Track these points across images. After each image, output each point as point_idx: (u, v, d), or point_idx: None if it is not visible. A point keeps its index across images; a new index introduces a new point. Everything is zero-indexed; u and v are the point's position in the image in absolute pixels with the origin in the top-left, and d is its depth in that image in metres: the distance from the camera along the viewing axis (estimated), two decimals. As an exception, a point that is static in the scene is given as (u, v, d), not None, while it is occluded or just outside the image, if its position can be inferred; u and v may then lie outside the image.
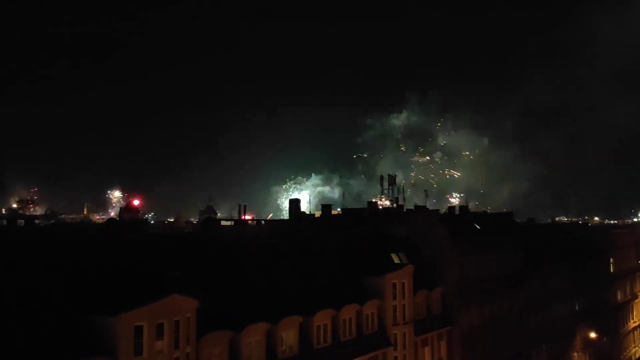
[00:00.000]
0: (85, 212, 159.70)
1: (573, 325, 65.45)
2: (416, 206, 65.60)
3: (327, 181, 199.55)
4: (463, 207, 68.82)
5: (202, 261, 31.12)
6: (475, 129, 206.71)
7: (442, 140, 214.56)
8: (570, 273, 66.38)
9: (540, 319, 59.19)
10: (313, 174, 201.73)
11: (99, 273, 25.44)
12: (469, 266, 48.66)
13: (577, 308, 67.90)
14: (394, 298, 39.24)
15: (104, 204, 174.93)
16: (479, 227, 55.79)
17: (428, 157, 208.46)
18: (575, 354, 66.17)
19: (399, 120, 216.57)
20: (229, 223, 57.34)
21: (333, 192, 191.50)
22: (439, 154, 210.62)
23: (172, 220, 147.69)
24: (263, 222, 57.00)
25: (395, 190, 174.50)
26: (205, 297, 26.01)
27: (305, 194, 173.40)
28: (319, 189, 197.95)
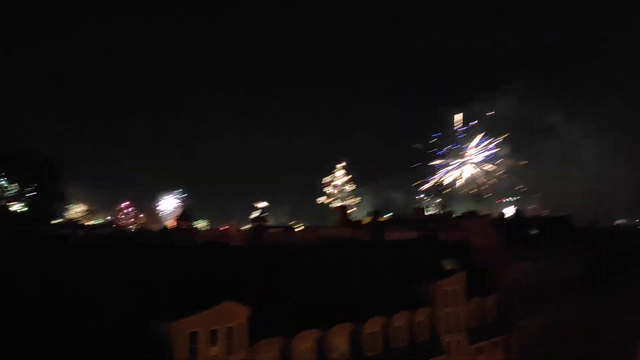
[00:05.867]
0: (142, 220, 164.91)
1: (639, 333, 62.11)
2: (467, 212, 64.40)
3: (393, 182, 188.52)
4: (517, 212, 66.94)
5: (253, 268, 31.55)
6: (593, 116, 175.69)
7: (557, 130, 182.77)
8: (636, 279, 63.14)
9: (606, 327, 56.55)
10: (378, 178, 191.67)
11: (155, 280, 26.25)
12: (524, 272, 47.19)
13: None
14: (446, 305, 38.51)
15: (159, 211, 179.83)
16: (534, 232, 54.13)
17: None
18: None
19: (488, 106, 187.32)
20: (278, 230, 58.00)
21: (399, 195, 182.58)
22: (551, 145, 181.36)
23: (225, 227, 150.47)
24: (311, 229, 57.38)
25: (443, 197, 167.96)
26: (257, 304, 26.35)
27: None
28: (387, 194, 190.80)
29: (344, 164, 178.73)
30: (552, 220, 68.82)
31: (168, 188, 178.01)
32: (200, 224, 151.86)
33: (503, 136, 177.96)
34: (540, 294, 48.14)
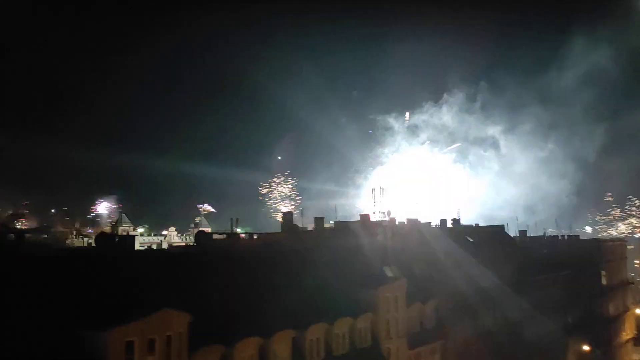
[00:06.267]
0: (76, 226, 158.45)
1: (566, 338, 65.42)
2: (408, 218, 65.62)
3: (343, 188, 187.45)
4: (455, 220, 68.90)
5: (193, 275, 30.91)
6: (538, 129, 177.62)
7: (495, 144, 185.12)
8: (563, 285, 66.54)
9: (533, 332, 59.14)
10: (321, 184, 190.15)
11: (90, 288, 25.20)
12: (461, 279, 48.70)
13: (570, 320, 67.93)
14: (387, 312, 39.12)
15: (95, 216, 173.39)
16: (471, 240, 56.00)
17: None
18: (568, 366, 66.04)
19: (426, 116, 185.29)
20: (221, 236, 57.07)
21: (345, 201, 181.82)
22: (488, 153, 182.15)
23: (165, 233, 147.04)
24: (255, 235, 56.89)
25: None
26: (197, 312, 25.82)
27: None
28: (330, 201, 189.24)
29: (287, 171, 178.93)
30: (487, 229, 71.37)
31: (105, 192, 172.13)
32: (140, 230, 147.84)
33: (454, 145, 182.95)
34: (474, 300, 49.78)
